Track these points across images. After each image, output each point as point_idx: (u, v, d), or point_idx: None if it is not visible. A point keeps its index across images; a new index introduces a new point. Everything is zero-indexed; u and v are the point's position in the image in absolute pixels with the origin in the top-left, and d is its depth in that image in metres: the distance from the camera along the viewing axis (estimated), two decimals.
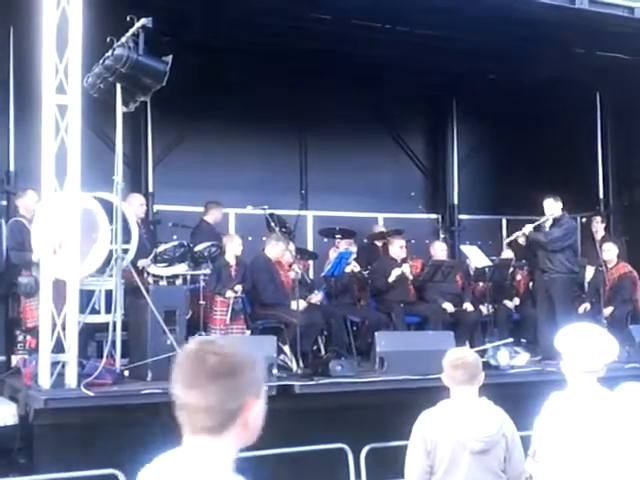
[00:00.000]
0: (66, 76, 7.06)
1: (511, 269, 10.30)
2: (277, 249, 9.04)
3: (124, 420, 6.72)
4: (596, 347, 3.92)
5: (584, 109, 12.39)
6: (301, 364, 8.02)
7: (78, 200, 7.11)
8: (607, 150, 12.39)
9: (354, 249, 9.95)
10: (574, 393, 3.90)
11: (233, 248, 8.69)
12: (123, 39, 7.24)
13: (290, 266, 9.04)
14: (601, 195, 12.38)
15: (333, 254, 9.96)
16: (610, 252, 10.14)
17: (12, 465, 6.98)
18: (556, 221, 9.22)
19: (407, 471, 4.06)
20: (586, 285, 10.28)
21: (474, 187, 13.08)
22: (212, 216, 9.88)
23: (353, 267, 9.51)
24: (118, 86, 7.44)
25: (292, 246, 9.33)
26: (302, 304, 8.42)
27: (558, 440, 3.81)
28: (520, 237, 9.29)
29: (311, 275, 10.16)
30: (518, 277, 10.60)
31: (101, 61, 7.43)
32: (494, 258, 10.22)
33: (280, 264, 9.11)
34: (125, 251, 7.66)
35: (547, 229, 9.24)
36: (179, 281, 8.42)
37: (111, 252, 7.47)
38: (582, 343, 3.92)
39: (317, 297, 9.02)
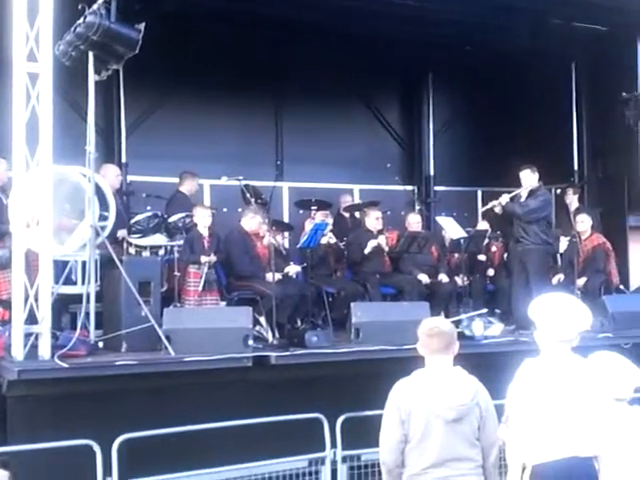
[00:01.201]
0: (37, 44, 6.95)
1: (486, 240, 10.34)
2: (254, 222, 8.98)
3: (98, 391, 6.69)
4: (570, 316, 3.95)
5: (560, 80, 12.38)
6: (277, 335, 8.02)
7: (51, 171, 7.03)
8: (582, 122, 12.40)
9: (330, 220, 9.94)
10: (548, 360, 3.93)
11: (201, 219, 8.63)
12: (95, 6, 7.11)
13: (264, 238, 9.00)
14: (575, 166, 12.40)
15: (309, 225, 9.92)
16: (584, 223, 10.20)
17: None
18: (532, 192, 9.24)
19: (382, 440, 4.08)
20: (560, 256, 10.35)
21: (450, 158, 13.09)
22: (187, 187, 9.79)
23: (329, 238, 9.50)
24: (90, 54, 7.31)
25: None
26: (277, 276, 8.40)
27: (530, 405, 3.84)
28: (497, 207, 9.30)
29: (287, 246, 10.15)
30: (493, 248, 10.64)
31: (72, 29, 7.29)
32: (470, 229, 10.23)
33: (257, 236, 9.07)
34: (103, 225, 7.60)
35: (523, 200, 9.26)
36: (161, 252, 8.36)
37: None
38: (556, 312, 3.95)
39: (294, 268, 9.00)
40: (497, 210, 9.38)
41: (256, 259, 8.88)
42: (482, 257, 10.28)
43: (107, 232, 7.68)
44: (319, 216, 10.01)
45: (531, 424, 3.83)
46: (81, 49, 7.27)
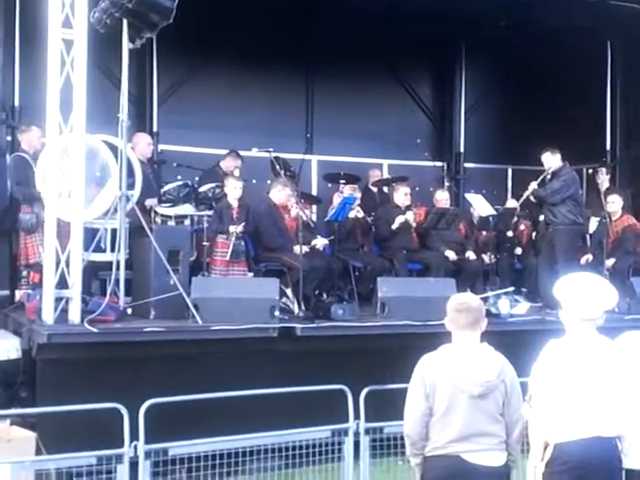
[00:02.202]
0: (72, 10, 7.01)
1: (515, 219, 10.29)
2: (283, 194, 9.00)
3: (126, 356, 6.79)
4: (595, 294, 3.94)
5: (595, 59, 12.25)
6: (303, 307, 8.06)
7: (84, 139, 7.09)
8: (616, 101, 12.28)
9: (358, 195, 9.93)
10: (572, 340, 3.93)
11: (232, 190, 8.66)
12: None
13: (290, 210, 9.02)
14: (608, 146, 12.29)
15: (337, 199, 9.93)
16: (615, 204, 10.10)
17: (14, 398, 7.07)
18: (555, 174, 9.21)
19: (406, 412, 4.11)
20: (589, 237, 10.28)
21: (481, 136, 13.01)
22: (226, 164, 9.80)
23: (357, 212, 9.50)
24: (124, 22, 7.35)
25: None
26: (305, 248, 8.43)
27: (554, 384, 3.85)
28: (530, 196, 9.31)
29: (314, 219, 10.17)
30: (521, 227, 10.58)
31: None
32: (498, 207, 10.20)
33: (285, 208, 9.09)
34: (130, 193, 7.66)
35: (547, 182, 9.24)
36: (187, 221, 8.42)
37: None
38: (581, 291, 3.95)
39: (322, 241, 9.01)
40: (531, 198, 9.38)
41: (284, 231, 8.90)
42: (510, 233, 10.23)
43: (134, 200, 7.75)
44: (347, 190, 10.01)
45: (554, 403, 3.84)
46: (115, 17, 7.30)
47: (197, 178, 9.63)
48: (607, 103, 12.32)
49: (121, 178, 7.46)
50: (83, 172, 7.07)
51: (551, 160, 9.21)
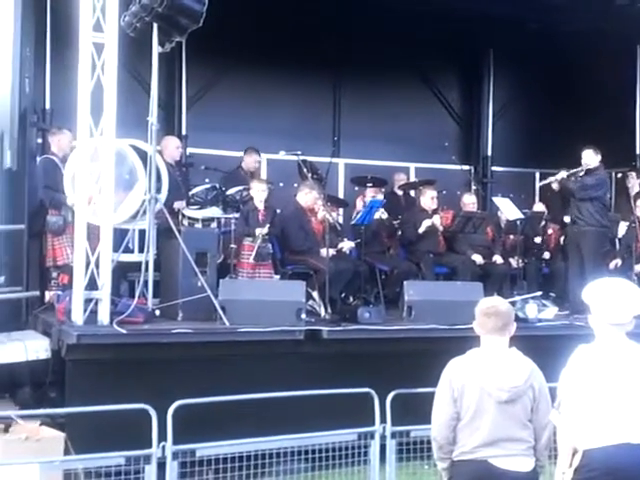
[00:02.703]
0: (103, 14, 7.07)
1: (543, 222, 10.23)
2: (310, 197, 9.03)
3: (154, 358, 6.84)
4: (624, 299, 3.91)
5: (624, 62, 12.12)
6: (329, 310, 8.07)
7: (114, 143, 7.15)
8: None
9: (380, 197, 9.89)
10: (601, 345, 3.91)
11: (257, 193, 8.70)
12: None
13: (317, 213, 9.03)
14: (638, 151, 12.18)
15: (360, 203, 9.96)
16: None
17: (43, 398, 7.14)
18: (590, 171, 9.17)
19: (434, 417, 4.10)
20: (618, 241, 10.20)
21: (509, 139, 12.96)
22: (246, 162, 9.90)
23: (381, 214, 9.47)
24: (154, 26, 7.41)
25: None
26: (331, 251, 8.44)
27: (583, 390, 3.82)
28: (554, 183, 9.25)
29: (341, 222, 10.17)
30: (549, 231, 10.53)
31: (138, 0, 7.39)
32: (526, 211, 10.15)
33: (312, 211, 9.11)
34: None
35: (580, 177, 9.20)
36: (214, 224, 8.46)
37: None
38: (610, 295, 3.92)
39: (348, 244, 9.00)
40: (554, 186, 9.32)
41: (311, 234, 8.93)
42: (538, 239, 10.19)
43: (162, 202, 7.80)
44: (369, 193, 9.99)
45: (583, 409, 3.81)
46: (146, 20, 7.37)
47: (207, 180, 9.65)
48: (636, 107, 12.20)
49: (150, 181, 7.52)
50: (112, 175, 7.13)
51: (592, 158, 9.17)
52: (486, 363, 4.02)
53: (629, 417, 3.79)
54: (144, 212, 7.49)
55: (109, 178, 7.09)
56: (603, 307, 3.90)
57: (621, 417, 3.78)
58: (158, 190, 7.76)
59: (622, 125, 12.13)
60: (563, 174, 9.16)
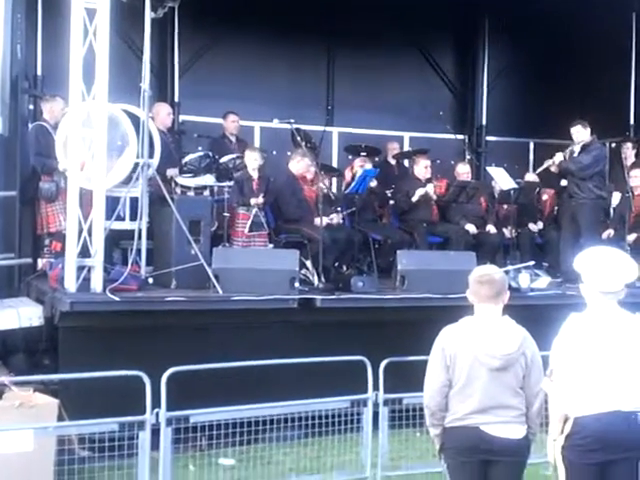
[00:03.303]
0: None
1: (537, 189, 10.21)
2: (302, 164, 8.99)
3: (148, 325, 6.85)
4: (615, 267, 3.92)
5: (619, 32, 12.05)
6: (323, 279, 8.07)
7: (106, 108, 7.10)
8: None
9: (368, 166, 9.83)
10: (593, 314, 3.92)
11: (251, 161, 8.67)
12: None
13: (312, 182, 9.00)
14: (632, 120, 12.15)
15: (348, 174, 9.93)
16: (638, 178, 10.00)
17: (37, 365, 7.15)
18: (585, 147, 9.13)
19: (426, 384, 4.12)
20: (611, 211, 10.21)
21: (503, 109, 12.93)
22: (226, 127, 9.90)
23: (371, 182, 9.42)
24: None
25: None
26: (325, 220, 8.42)
27: (574, 358, 3.84)
28: (552, 166, 9.23)
29: (334, 191, 10.16)
30: (544, 197, 10.49)
31: None
32: (520, 181, 10.14)
33: (304, 179, 9.09)
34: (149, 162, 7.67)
35: (576, 155, 9.16)
36: (207, 192, 8.43)
37: (136, 164, 7.49)
38: (601, 264, 3.92)
39: (337, 218, 8.96)
40: (553, 169, 9.30)
41: (303, 202, 8.90)
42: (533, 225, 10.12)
43: (154, 168, 7.76)
44: (358, 162, 9.92)
45: (575, 377, 3.83)
46: None
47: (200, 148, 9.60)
48: (631, 76, 12.14)
49: (142, 147, 7.47)
50: (105, 141, 7.08)
51: (582, 134, 9.14)
52: (479, 331, 4.04)
53: (620, 385, 3.82)
54: (137, 178, 7.44)
55: (102, 143, 7.04)
56: (594, 275, 3.91)
57: (612, 385, 3.81)
58: (150, 155, 7.71)
59: (616, 95, 12.09)
60: (560, 157, 9.13)
